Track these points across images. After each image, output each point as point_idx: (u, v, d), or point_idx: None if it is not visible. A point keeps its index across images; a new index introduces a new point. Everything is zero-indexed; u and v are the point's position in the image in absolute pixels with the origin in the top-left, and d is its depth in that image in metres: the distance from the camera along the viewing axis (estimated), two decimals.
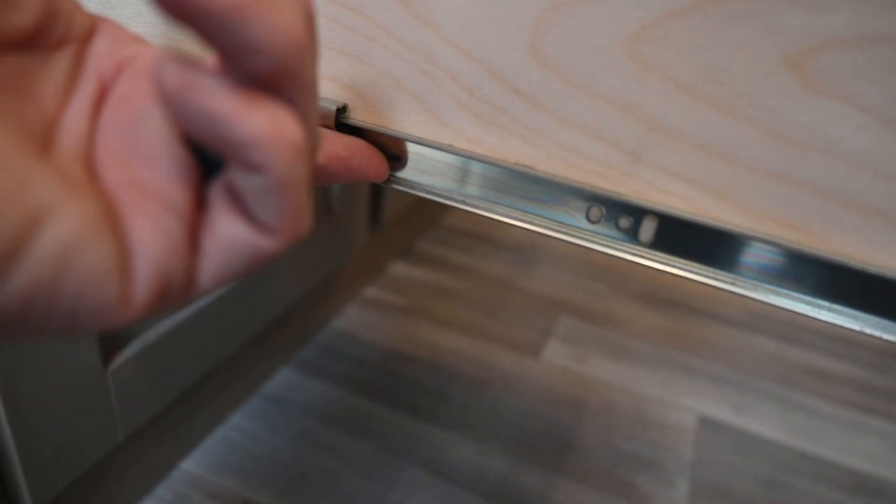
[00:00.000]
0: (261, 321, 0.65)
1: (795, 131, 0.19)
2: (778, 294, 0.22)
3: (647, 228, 0.23)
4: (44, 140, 0.16)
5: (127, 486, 0.56)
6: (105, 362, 0.47)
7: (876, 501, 0.67)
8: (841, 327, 0.21)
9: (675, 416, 0.75)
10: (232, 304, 0.59)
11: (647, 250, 0.23)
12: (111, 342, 0.48)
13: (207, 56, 0.15)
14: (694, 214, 0.21)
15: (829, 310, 0.21)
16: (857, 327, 0.21)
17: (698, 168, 0.21)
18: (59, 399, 0.44)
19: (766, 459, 0.71)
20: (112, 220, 0.16)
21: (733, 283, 0.22)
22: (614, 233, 0.23)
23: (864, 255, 0.20)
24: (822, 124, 0.19)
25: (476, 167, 0.25)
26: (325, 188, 0.71)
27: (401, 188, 0.26)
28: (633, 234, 0.23)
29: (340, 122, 0.25)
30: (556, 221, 0.24)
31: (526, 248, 1.10)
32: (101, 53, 0.18)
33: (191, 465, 0.61)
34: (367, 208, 0.82)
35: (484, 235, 1.12)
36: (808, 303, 0.21)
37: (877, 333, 0.21)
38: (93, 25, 0.18)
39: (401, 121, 0.24)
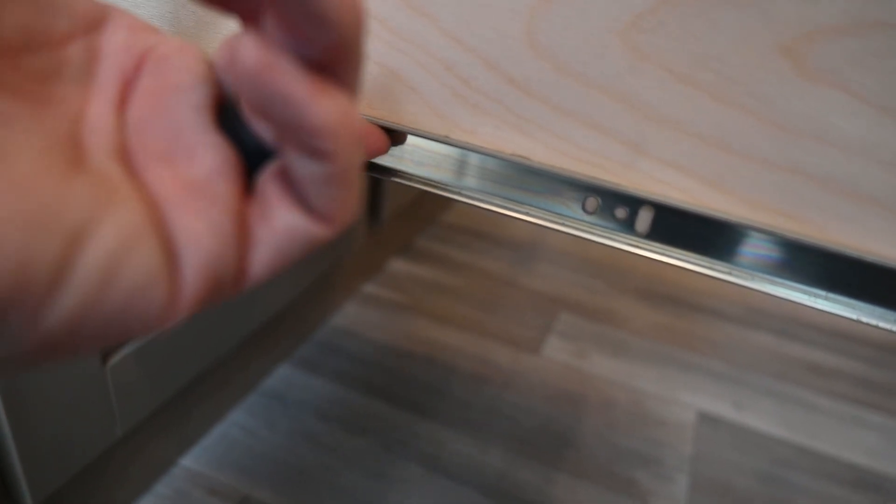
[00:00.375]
0: (260, 318, 0.65)
1: (790, 119, 0.19)
2: (774, 283, 0.22)
3: (644, 219, 0.23)
4: (73, 146, 0.15)
5: (126, 483, 0.56)
6: (104, 358, 0.47)
7: (875, 496, 0.67)
8: (837, 316, 0.21)
9: (675, 412, 0.75)
10: (231, 300, 0.59)
11: (644, 241, 0.23)
12: None
13: (212, 52, 0.15)
14: (690, 204, 0.21)
15: (826, 299, 0.21)
16: (853, 316, 0.21)
17: (693, 157, 0.21)
18: (58, 395, 0.44)
19: (766, 455, 0.71)
20: (155, 221, 0.15)
21: (729, 273, 0.22)
22: (611, 223, 0.23)
23: (860, 244, 0.20)
24: (817, 112, 0.19)
25: (472, 158, 0.25)
26: None
27: (397, 180, 0.26)
28: (629, 225, 0.23)
29: None
30: (553, 212, 0.24)
31: (525, 245, 1.10)
32: (119, 47, 0.17)
33: (190, 461, 0.61)
34: (366, 205, 0.82)
35: (483, 232, 1.12)
36: (804, 292, 0.21)
37: (873, 322, 0.21)
38: (101, 14, 0.18)
39: (397, 112, 0.24)
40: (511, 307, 0.92)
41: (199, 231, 0.15)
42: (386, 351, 0.79)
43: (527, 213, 0.24)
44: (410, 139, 0.26)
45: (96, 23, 0.17)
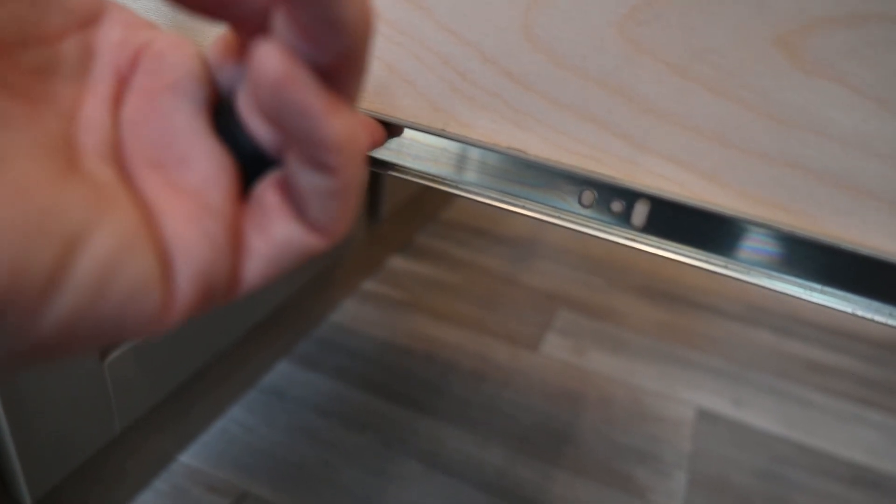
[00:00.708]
0: (259, 314, 0.65)
1: (787, 112, 0.19)
2: (770, 277, 0.22)
3: (640, 212, 0.23)
4: (67, 146, 0.15)
5: (125, 479, 0.56)
6: (102, 355, 0.47)
7: (873, 493, 0.67)
8: (833, 310, 0.21)
9: (673, 408, 0.76)
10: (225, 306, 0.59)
11: (640, 234, 0.23)
12: None
13: (206, 49, 0.15)
14: (686, 197, 0.21)
15: (822, 292, 0.21)
16: (849, 309, 0.21)
17: (690, 150, 0.21)
18: (56, 392, 0.44)
19: (764, 452, 0.71)
20: (149, 227, 0.15)
21: (725, 267, 0.22)
22: (607, 217, 0.23)
23: (856, 237, 0.20)
24: (814, 105, 0.19)
25: (469, 152, 0.25)
26: None
27: (395, 174, 0.26)
28: (625, 218, 0.23)
29: None
30: (549, 206, 0.24)
31: (524, 242, 1.10)
32: (114, 43, 0.17)
33: (189, 457, 0.61)
34: (366, 202, 0.82)
35: (482, 229, 1.12)
36: (800, 285, 0.21)
37: (868, 315, 0.21)
38: (96, 9, 0.17)
39: (393, 105, 0.24)
40: (510, 304, 0.92)
41: (193, 239, 0.15)
42: (385, 348, 0.79)
43: (523, 207, 0.24)
44: (409, 134, 0.26)
45: (91, 18, 0.17)
